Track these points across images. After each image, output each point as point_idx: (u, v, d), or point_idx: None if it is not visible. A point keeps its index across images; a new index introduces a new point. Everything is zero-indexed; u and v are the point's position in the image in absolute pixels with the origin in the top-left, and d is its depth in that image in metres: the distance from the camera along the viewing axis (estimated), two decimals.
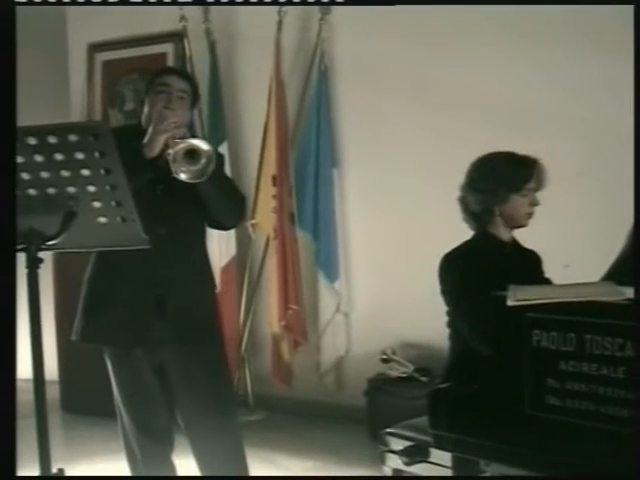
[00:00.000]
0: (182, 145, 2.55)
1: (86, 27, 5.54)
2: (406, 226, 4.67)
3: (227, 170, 3.04)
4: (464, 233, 2.84)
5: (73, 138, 1.84)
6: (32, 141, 1.85)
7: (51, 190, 1.93)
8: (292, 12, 4.81)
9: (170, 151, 2.56)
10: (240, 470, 2.92)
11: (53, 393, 5.05)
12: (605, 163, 4.08)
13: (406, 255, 4.66)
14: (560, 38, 4.19)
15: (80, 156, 1.87)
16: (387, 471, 2.95)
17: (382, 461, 2.96)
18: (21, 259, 1.94)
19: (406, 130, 4.66)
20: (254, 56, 5.04)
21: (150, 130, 2.66)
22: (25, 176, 1.90)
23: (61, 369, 5.20)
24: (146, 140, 2.65)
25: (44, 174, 1.90)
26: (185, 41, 5.16)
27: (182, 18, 5.08)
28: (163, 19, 5.17)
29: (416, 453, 2.80)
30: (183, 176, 2.54)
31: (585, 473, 2.12)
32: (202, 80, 4.83)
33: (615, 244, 2.57)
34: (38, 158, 1.88)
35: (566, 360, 2.13)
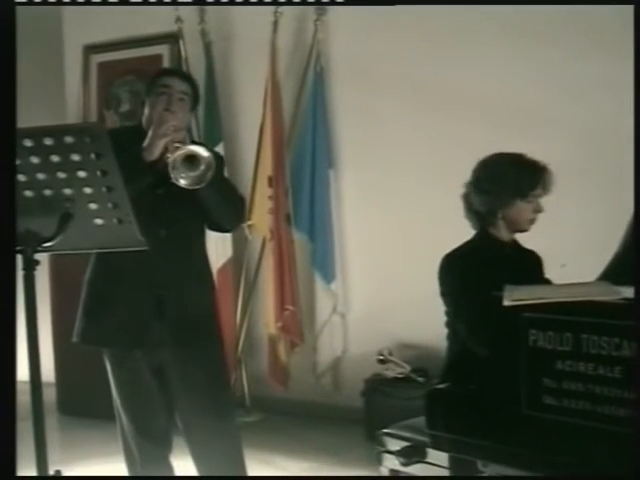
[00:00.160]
0: (181, 151, 2.55)
1: (82, 28, 5.53)
2: (402, 227, 4.68)
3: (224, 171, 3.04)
4: (461, 233, 2.83)
5: (69, 140, 1.85)
6: (28, 143, 1.85)
7: (47, 192, 1.93)
8: (288, 13, 4.81)
9: (169, 155, 2.57)
10: (238, 471, 2.92)
11: (50, 395, 5.04)
12: (601, 163, 4.09)
13: (402, 256, 4.66)
14: (559, 38, 4.19)
15: (76, 158, 1.87)
16: (384, 471, 2.95)
17: (379, 462, 2.96)
18: (17, 261, 1.94)
19: (402, 130, 4.67)
20: (250, 57, 5.05)
21: (150, 134, 2.67)
22: (21, 178, 1.90)
23: (58, 371, 5.19)
24: (146, 144, 2.65)
25: (40, 176, 1.90)
26: (181, 42, 5.16)
27: (178, 19, 5.08)
28: (159, 20, 5.16)
29: (413, 453, 2.80)
30: (182, 182, 2.54)
31: (582, 473, 2.13)
32: (198, 81, 4.82)
33: (611, 244, 2.57)
34: (34, 160, 1.88)
35: (563, 360, 2.13)
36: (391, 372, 4.53)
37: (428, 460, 2.77)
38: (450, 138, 4.44)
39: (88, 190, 1.93)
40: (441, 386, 2.58)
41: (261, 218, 4.81)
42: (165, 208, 2.76)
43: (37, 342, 1.92)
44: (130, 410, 2.86)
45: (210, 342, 2.90)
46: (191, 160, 2.55)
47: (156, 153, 2.64)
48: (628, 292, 2.11)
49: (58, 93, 5.75)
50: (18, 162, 1.87)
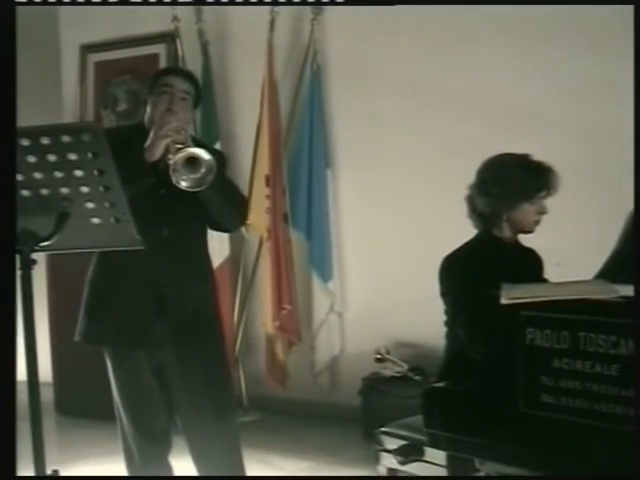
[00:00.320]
0: (182, 154, 2.55)
1: (79, 28, 5.53)
2: (400, 226, 4.68)
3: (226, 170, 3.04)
4: (459, 233, 2.83)
5: (66, 139, 1.84)
6: (25, 142, 1.85)
7: (44, 191, 1.93)
8: (284, 12, 4.81)
9: (171, 156, 2.57)
10: (237, 471, 2.93)
11: (47, 395, 5.03)
12: (598, 162, 4.09)
13: (400, 255, 4.66)
14: (558, 38, 4.19)
15: (73, 157, 1.87)
16: (382, 470, 2.95)
17: (377, 460, 2.97)
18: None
19: (400, 130, 4.67)
20: (247, 56, 5.04)
21: (151, 135, 2.67)
22: (18, 177, 1.89)
23: (55, 371, 5.19)
24: (147, 144, 2.66)
25: (37, 175, 1.90)
26: (177, 42, 5.16)
27: (174, 19, 5.08)
28: (155, 20, 5.16)
29: (411, 452, 2.81)
30: (183, 184, 2.55)
31: (580, 471, 2.13)
32: None
33: (608, 242, 2.57)
34: (31, 159, 1.87)
35: (560, 358, 2.13)
36: (389, 371, 4.53)
37: (426, 459, 2.77)
38: (448, 138, 4.44)
39: (85, 189, 1.93)
40: (438, 385, 2.58)
41: (258, 217, 4.81)
42: (167, 208, 2.76)
43: (34, 342, 1.92)
44: (130, 409, 2.86)
45: (211, 342, 2.90)
46: (192, 162, 2.55)
47: (157, 154, 2.65)
48: (625, 290, 2.12)
49: (55, 92, 5.75)
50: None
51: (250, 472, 3.01)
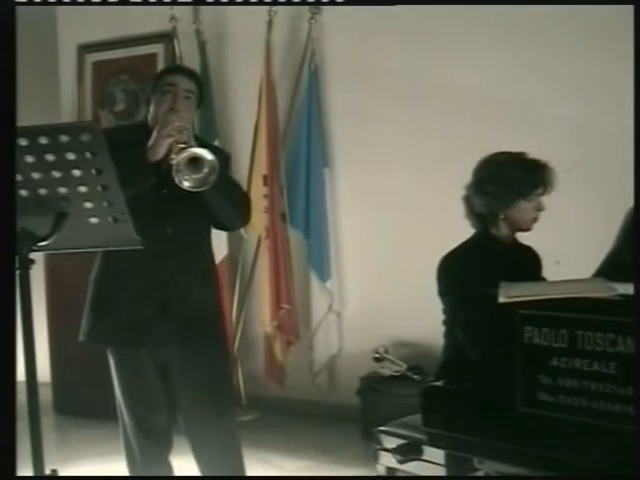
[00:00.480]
0: (185, 154, 2.56)
1: (76, 28, 5.52)
2: (398, 225, 4.68)
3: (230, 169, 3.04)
4: (457, 232, 2.83)
5: (64, 139, 1.84)
6: (23, 142, 1.85)
7: (42, 191, 1.93)
8: (282, 12, 4.80)
9: (173, 156, 2.57)
10: (237, 469, 2.94)
11: (45, 395, 5.04)
12: (598, 161, 4.10)
13: (398, 254, 4.66)
14: (558, 38, 4.19)
15: (71, 157, 1.87)
16: (381, 469, 2.95)
17: (376, 459, 2.97)
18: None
19: (397, 129, 4.67)
20: (244, 56, 5.04)
21: (154, 134, 2.67)
22: (16, 177, 1.90)
23: (53, 371, 5.19)
24: (150, 144, 2.66)
25: (35, 175, 1.90)
26: (175, 41, 5.15)
27: (172, 18, 5.07)
28: (153, 20, 5.16)
29: (409, 451, 2.81)
30: (186, 184, 2.56)
31: (578, 469, 2.13)
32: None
33: (606, 241, 2.58)
34: (29, 159, 1.87)
35: (558, 356, 2.13)
36: (387, 370, 4.53)
37: (424, 457, 2.77)
38: (446, 137, 4.44)
39: (83, 189, 1.93)
40: (437, 383, 2.58)
41: (256, 217, 4.78)
42: (170, 207, 2.77)
43: (33, 342, 1.92)
44: (132, 408, 2.86)
45: (214, 341, 2.92)
46: (195, 163, 2.55)
47: (160, 153, 2.65)
48: (623, 288, 2.12)
49: (53, 92, 5.74)
50: None
51: (249, 471, 3.02)
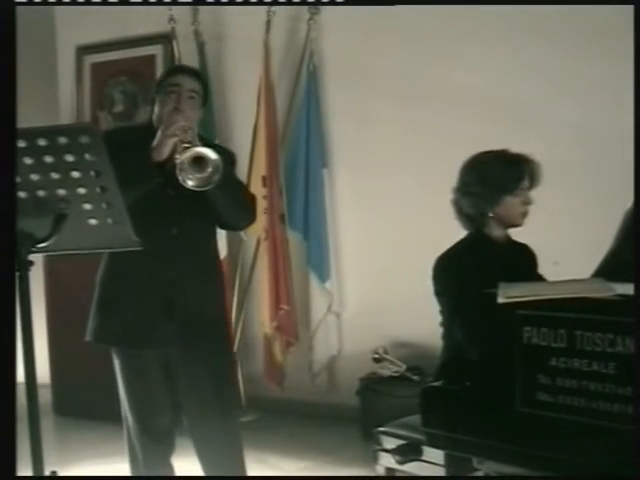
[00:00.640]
0: (189, 153, 2.56)
1: (75, 29, 5.52)
2: (397, 225, 4.68)
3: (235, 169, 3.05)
4: (455, 233, 2.83)
5: (63, 140, 1.84)
6: (21, 144, 1.85)
7: (41, 192, 1.93)
8: (281, 12, 4.81)
9: (177, 156, 2.58)
10: (239, 470, 2.96)
11: (45, 396, 5.04)
12: (597, 161, 4.10)
13: (397, 254, 4.67)
14: (558, 38, 4.19)
15: (70, 158, 1.87)
16: (380, 470, 2.95)
17: (375, 460, 2.97)
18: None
19: (396, 130, 4.67)
20: (243, 57, 5.05)
21: (159, 134, 2.68)
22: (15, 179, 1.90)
23: (53, 372, 5.19)
24: (155, 144, 2.66)
25: (34, 177, 1.90)
26: (174, 43, 5.15)
27: (171, 20, 5.07)
28: (151, 21, 5.16)
29: (409, 451, 2.81)
30: (190, 183, 2.55)
31: (577, 469, 2.13)
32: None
33: (605, 241, 2.58)
34: (28, 161, 1.87)
35: (557, 356, 2.14)
36: (386, 371, 4.53)
37: (424, 458, 2.77)
38: (445, 138, 4.44)
39: (82, 190, 1.93)
40: (436, 384, 2.58)
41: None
42: (176, 207, 2.77)
43: (32, 343, 1.92)
44: (136, 409, 2.86)
45: (219, 341, 2.92)
46: (199, 162, 2.55)
47: (165, 153, 2.65)
48: (622, 288, 2.12)
49: (51, 94, 5.74)
50: None
51: (248, 472, 3.02)
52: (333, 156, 4.90)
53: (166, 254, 2.74)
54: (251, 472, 3.06)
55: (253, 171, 4.86)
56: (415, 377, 4.40)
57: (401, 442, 2.85)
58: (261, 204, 4.76)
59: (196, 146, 2.60)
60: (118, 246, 2.12)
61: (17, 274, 1.92)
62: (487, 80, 4.38)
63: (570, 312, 2.13)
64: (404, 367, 4.49)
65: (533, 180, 2.75)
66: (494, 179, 2.70)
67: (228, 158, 2.82)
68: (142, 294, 2.78)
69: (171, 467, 2.97)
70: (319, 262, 4.82)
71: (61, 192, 1.93)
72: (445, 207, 2.89)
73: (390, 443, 2.89)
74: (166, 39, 5.24)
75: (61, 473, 2.05)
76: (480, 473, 2.55)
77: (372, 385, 4.53)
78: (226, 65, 5.17)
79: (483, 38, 4.39)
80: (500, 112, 4.32)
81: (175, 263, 2.78)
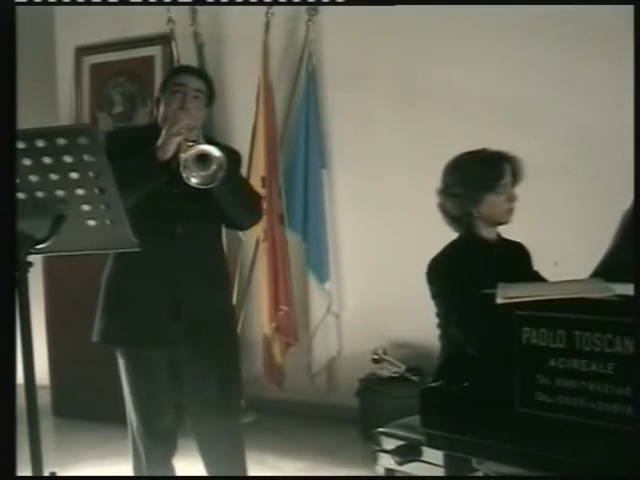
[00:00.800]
0: (192, 151, 2.56)
1: (74, 30, 5.52)
2: (396, 226, 4.68)
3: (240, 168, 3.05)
4: (454, 234, 2.84)
5: (61, 141, 1.84)
6: (20, 145, 1.85)
7: (40, 194, 1.93)
8: (279, 13, 4.81)
9: (182, 155, 2.58)
10: (241, 470, 2.97)
11: (44, 398, 5.04)
12: (594, 162, 4.10)
13: (396, 255, 4.66)
14: (558, 38, 4.19)
15: (69, 159, 1.87)
16: (379, 470, 2.95)
17: (375, 461, 2.97)
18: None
19: (395, 130, 4.67)
20: (242, 58, 5.05)
21: (163, 133, 2.68)
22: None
23: (52, 373, 5.18)
24: (159, 143, 2.67)
25: (33, 178, 1.90)
26: (173, 44, 5.15)
27: (170, 21, 5.07)
28: (150, 22, 5.16)
29: (408, 452, 2.81)
30: (193, 181, 2.56)
31: (576, 469, 2.13)
32: None
33: (604, 241, 2.58)
34: (26, 162, 1.87)
35: (556, 357, 2.14)
36: (386, 371, 4.53)
37: (423, 458, 2.77)
38: (444, 137, 4.43)
39: (80, 191, 1.93)
40: (435, 384, 2.58)
41: None
42: (181, 207, 2.78)
43: (31, 345, 1.92)
44: (140, 409, 2.86)
45: (225, 342, 2.92)
46: (203, 159, 2.56)
47: (170, 152, 2.65)
48: (621, 289, 2.12)
49: (50, 95, 5.74)
50: None
51: (248, 473, 3.03)
52: (332, 157, 4.90)
53: (172, 254, 2.75)
54: (250, 473, 3.07)
55: (252, 172, 4.85)
56: (414, 378, 4.40)
57: (400, 443, 2.85)
58: None
59: (200, 143, 2.60)
60: (117, 247, 2.13)
61: (16, 275, 1.92)
62: (487, 80, 4.37)
63: (569, 312, 2.13)
64: (403, 368, 4.49)
65: (516, 176, 2.76)
66: (474, 178, 2.71)
67: (233, 157, 2.83)
68: (148, 294, 2.78)
69: (172, 468, 2.98)
70: (318, 263, 4.82)
71: (60, 193, 1.93)
72: None
73: (389, 444, 2.89)
74: (165, 40, 5.24)
75: (60, 474, 2.05)
76: (479, 473, 2.55)
77: (371, 386, 4.53)
78: (225, 66, 5.17)
79: (483, 38, 4.39)
80: (500, 112, 4.32)
81: (181, 263, 2.79)
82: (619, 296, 2.11)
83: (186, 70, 3.02)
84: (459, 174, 2.74)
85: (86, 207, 1.96)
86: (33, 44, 5.51)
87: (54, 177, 1.90)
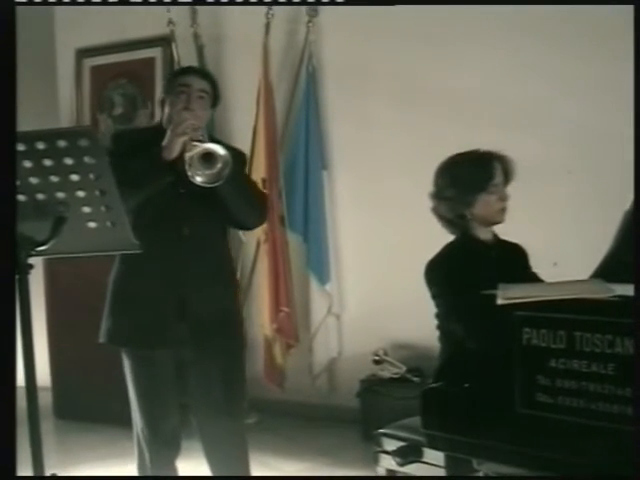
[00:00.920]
0: (197, 150, 2.57)
1: (74, 32, 5.53)
2: (397, 227, 4.68)
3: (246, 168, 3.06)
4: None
5: (62, 144, 1.85)
6: (21, 147, 1.85)
7: (40, 196, 1.93)
8: (279, 15, 4.81)
9: (187, 154, 2.58)
10: (244, 470, 2.98)
11: (45, 399, 5.04)
12: (594, 162, 4.10)
13: (397, 256, 4.66)
14: (557, 38, 4.19)
15: (69, 161, 1.87)
16: (381, 471, 2.95)
17: (375, 462, 2.97)
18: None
19: (395, 131, 4.67)
20: (242, 59, 5.05)
21: (169, 133, 2.69)
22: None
23: (53, 375, 5.18)
24: (165, 143, 2.67)
25: (33, 180, 1.90)
26: (173, 45, 5.16)
27: (170, 22, 5.07)
28: (151, 23, 5.16)
29: (409, 453, 2.81)
30: (199, 179, 2.56)
31: (577, 470, 2.13)
32: None
33: (604, 242, 2.58)
34: (27, 164, 1.88)
35: (556, 358, 2.14)
36: (387, 372, 4.53)
37: (424, 459, 2.77)
38: (444, 138, 4.42)
39: (81, 193, 1.93)
40: (436, 385, 2.58)
41: None
42: (187, 207, 2.78)
43: (32, 346, 1.92)
44: (145, 409, 2.87)
45: (231, 342, 2.93)
46: (208, 158, 2.56)
47: (175, 152, 2.66)
48: (621, 289, 2.12)
49: (51, 97, 5.74)
50: None
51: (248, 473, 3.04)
52: (333, 158, 4.90)
53: (178, 254, 2.76)
54: (251, 473, 3.07)
55: (253, 173, 4.84)
56: (415, 379, 4.40)
57: (401, 444, 2.85)
58: None
59: (205, 142, 2.61)
60: (117, 249, 2.13)
61: (17, 277, 1.92)
62: (488, 81, 4.37)
63: (569, 313, 2.13)
64: (404, 369, 4.49)
65: (507, 176, 2.76)
66: (465, 180, 2.71)
67: (240, 157, 2.84)
68: (154, 294, 2.79)
69: (175, 470, 2.98)
70: (319, 264, 4.82)
71: (60, 195, 1.93)
72: None
73: (390, 445, 2.89)
74: (165, 41, 5.24)
75: (61, 476, 2.05)
76: (480, 474, 2.55)
77: (372, 387, 4.53)
78: (225, 67, 5.17)
79: (483, 38, 4.39)
80: (500, 112, 4.32)
81: (187, 263, 2.79)
82: (619, 297, 2.11)
83: (190, 71, 3.03)
84: (450, 176, 2.75)
85: (87, 209, 1.96)
86: (33, 45, 5.51)
87: (54, 179, 1.90)
